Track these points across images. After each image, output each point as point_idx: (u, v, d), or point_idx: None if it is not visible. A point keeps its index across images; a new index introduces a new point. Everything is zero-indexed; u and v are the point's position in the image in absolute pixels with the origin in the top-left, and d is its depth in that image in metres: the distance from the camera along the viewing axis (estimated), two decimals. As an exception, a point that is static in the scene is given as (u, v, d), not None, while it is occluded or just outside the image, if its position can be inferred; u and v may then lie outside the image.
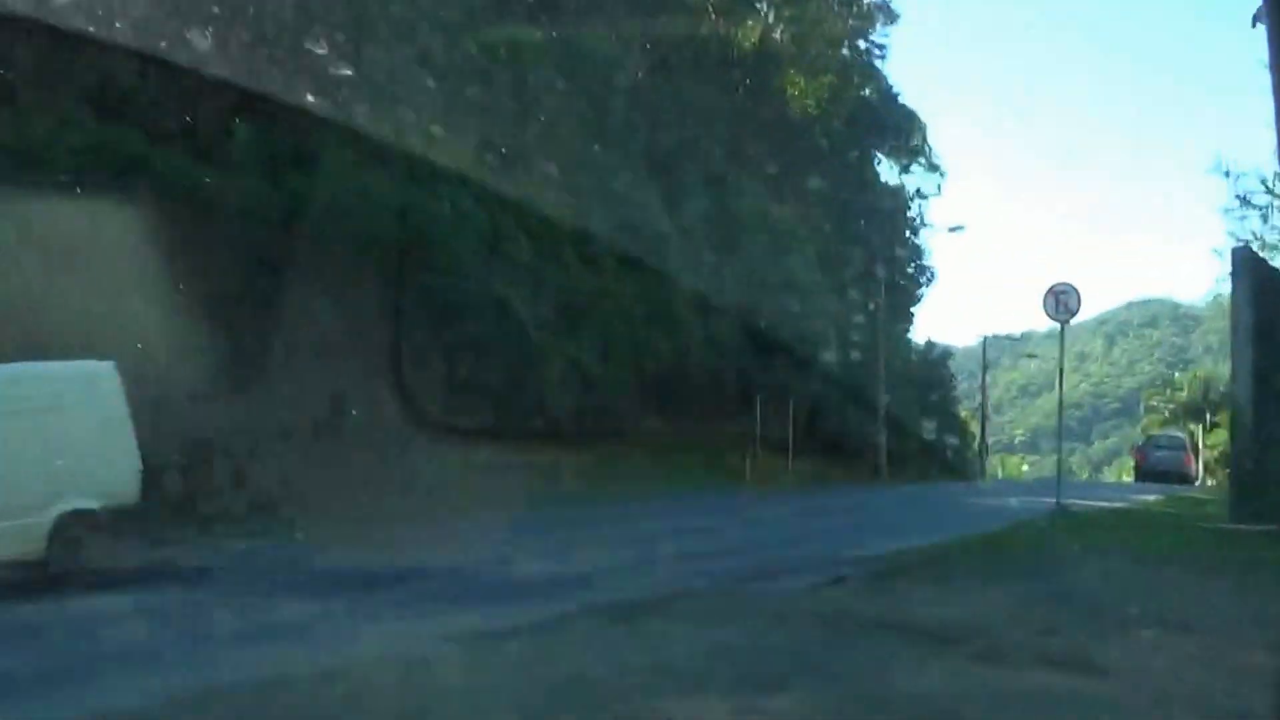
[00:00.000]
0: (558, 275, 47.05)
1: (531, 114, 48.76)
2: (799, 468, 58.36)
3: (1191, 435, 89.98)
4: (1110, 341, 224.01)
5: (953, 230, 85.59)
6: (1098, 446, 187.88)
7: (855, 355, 68.50)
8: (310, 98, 38.02)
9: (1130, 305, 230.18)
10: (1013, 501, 42.83)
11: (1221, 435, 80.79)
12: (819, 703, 13.50)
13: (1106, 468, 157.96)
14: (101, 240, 31.02)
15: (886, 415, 67.90)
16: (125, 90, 34.78)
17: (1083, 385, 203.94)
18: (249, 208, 35.50)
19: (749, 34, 69.10)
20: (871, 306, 70.91)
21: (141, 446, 26.12)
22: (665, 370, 52.16)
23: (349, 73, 39.06)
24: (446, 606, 20.48)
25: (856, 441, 66.49)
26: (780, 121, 71.56)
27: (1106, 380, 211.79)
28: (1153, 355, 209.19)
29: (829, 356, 65.20)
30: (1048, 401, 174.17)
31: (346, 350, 36.37)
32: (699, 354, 54.45)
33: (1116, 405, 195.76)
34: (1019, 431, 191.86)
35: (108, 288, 31.10)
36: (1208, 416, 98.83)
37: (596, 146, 52.20)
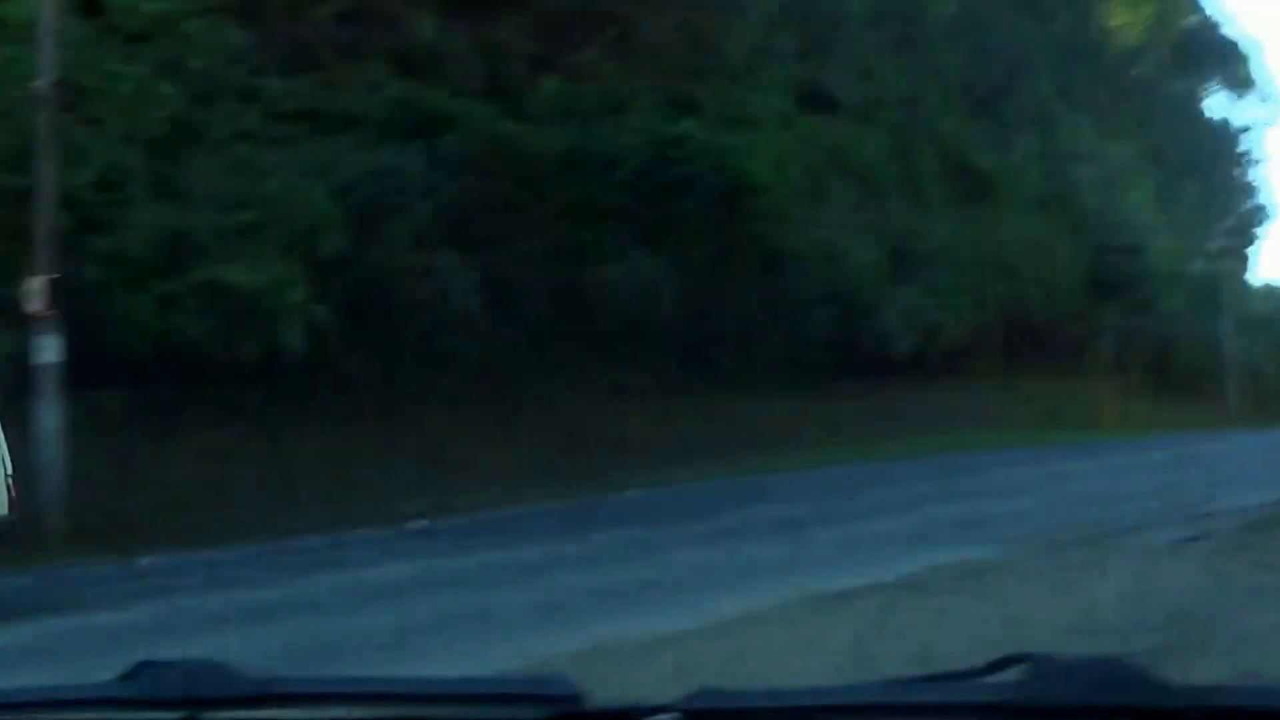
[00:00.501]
0: (886, 219, 44.74)
1: (849, 52, 46.62)
2: (1143, 412, 55.14)
3: None
4: None
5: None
6: None
7: (1196, 295, 64.77)
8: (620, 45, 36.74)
9: None
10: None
11: None
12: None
13: None
14: (410, 198, 29.95)
15: (1234, 357, 64.05)
16: (430, 50, 33.74)
17: None
18: (561, 159, 34.05)
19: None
20: (1213, 245, 67.02)
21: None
22: (1001, 313, 49.50)
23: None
24: (787, 565, 18.63)
25: (1203, 384, 62.90)
26: (1104, 55, 68.30)
27: None
28: None
29: (1170, 297, 61.72)
30: None
31: (668, 301, 34.55)
32: (1035, 295, 51.68)
33: None
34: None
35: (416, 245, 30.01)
36: None
37: (919, 85, 49.87)
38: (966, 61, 52.49)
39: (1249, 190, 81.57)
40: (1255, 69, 77.54)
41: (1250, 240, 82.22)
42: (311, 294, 28.29)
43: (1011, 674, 2.37)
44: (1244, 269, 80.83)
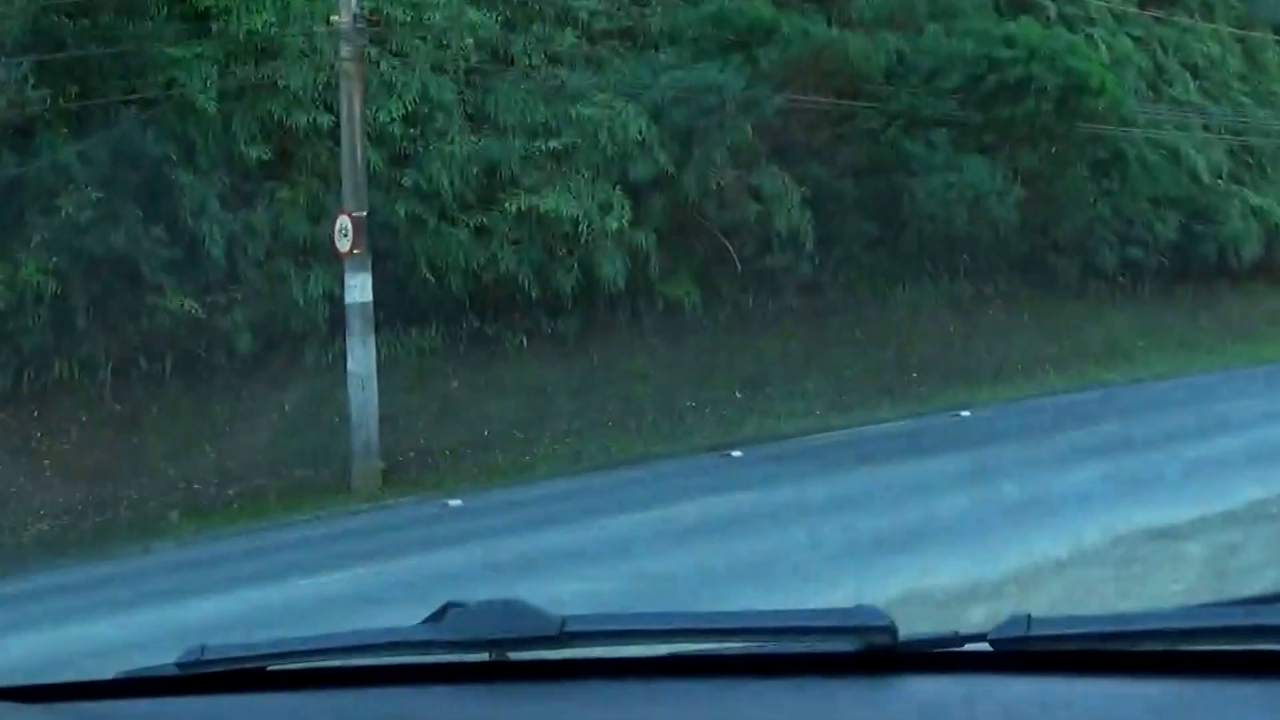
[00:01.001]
0: (1231, 116, 41.47)
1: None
2: None
3: None
4: None
5: None
6: None
7: None
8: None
9: None
10: None
11: None
12: None
13: None
14: (729, 114, 28.09)
15: None
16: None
17: None
18: (887, 66, 31.83)
19: None
20: None
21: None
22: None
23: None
24: (1122, 493, 16.61)
25: None
26: None
27: None
28: None
29: None
30: None
31: (1001, 210, 31.96)
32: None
33: None
34: None
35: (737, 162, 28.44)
36: None
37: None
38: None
39: None
40: None
41: None
42: (629, 219, 26.64)
43: None
44: None
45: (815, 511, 16.91)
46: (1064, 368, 31.71)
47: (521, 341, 25.92)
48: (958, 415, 26.43)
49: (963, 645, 2.37)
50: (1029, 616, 2.30)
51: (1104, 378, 31.13)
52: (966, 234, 31.38)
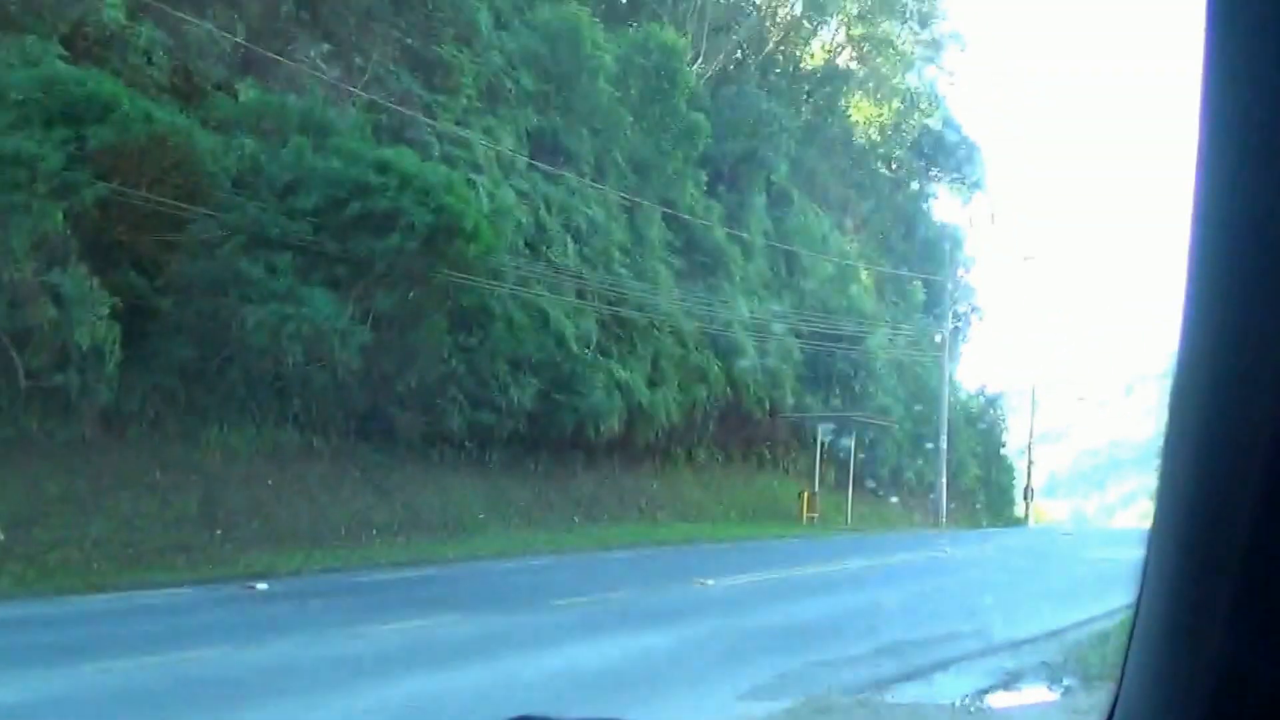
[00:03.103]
0: (606, 286, 38.85)
1: (586, 105, 40.77)
2: (855, 509, 49.83)
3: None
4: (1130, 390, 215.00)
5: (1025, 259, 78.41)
6: (1113, 493, 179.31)
7: (909, 391, 60.08)
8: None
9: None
10: (1111, 553, 32.10)
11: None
12: None
13: (1121, 512, 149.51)
14: (38, 196, 22.98)
15: (943, 454, 59.17)
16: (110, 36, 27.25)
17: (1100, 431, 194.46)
18: (236, 170, 27.54)
19: (816, 52, 62.14)
20: (938, 339, 62.30)
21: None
22: (719, 396, 43.83)
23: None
24: None
25: (913, 482, 58.24)
26: (844, 145, 64.34)
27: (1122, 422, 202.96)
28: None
29: (887, 392, 56.89)
30: (1060, 448, 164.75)
31: (345, 352, 27.64)
32: (755, 380, 46.07)
33: (1133, 454, 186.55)
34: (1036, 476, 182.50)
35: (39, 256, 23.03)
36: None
37: (656, 150, 44.20)
38: (707, 132, 46.80)
39: (967, 292, 77.61)
40: (983, 172, 73.74)
41: (963, 339, 78.32)
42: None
43: None
44: (956, 368, 76.82)
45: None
46: (395, 537, 27.98)
47: None
48: (252, 587, 21.87)
49: None
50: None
51: (439, 552, 27.37)
52: (301, 375, 27.18)
